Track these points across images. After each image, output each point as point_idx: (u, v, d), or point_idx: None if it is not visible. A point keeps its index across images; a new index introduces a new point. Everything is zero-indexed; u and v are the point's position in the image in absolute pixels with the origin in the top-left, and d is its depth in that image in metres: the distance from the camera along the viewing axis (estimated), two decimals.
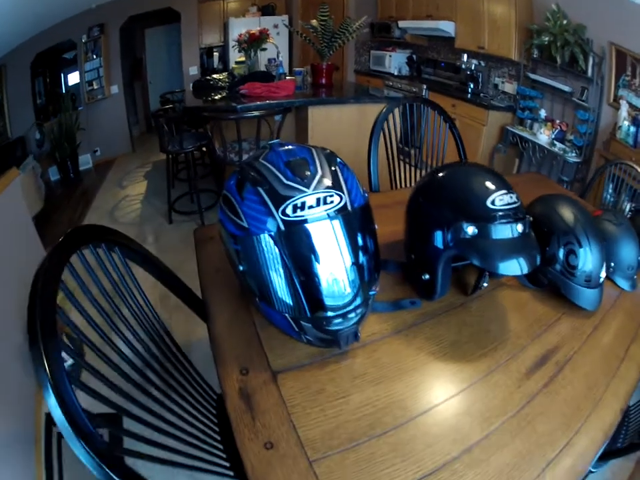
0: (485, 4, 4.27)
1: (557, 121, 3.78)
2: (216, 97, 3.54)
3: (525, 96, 4.06)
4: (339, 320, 0.82)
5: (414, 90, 5.08)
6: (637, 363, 0.93)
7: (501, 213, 0.86)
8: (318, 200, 0.77)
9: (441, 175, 1.01)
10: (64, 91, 5.46)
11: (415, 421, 0.75)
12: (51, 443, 1.74)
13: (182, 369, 1.05)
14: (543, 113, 3.90)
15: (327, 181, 0.80)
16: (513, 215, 0.87)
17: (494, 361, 0.89)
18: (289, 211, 0.76)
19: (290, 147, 0.88)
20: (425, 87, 4.95)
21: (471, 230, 0.87)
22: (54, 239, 0.82)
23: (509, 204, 0.87)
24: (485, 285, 1.06)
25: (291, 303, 0.82)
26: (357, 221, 0.84)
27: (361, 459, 0.68)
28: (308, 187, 0.77)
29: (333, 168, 0.83)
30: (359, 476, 0.66)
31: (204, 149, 3.94)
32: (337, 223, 0.79)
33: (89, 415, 0.65)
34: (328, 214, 0.78)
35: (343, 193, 0.80)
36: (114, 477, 0.64)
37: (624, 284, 1.19)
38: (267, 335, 0.92)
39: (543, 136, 3.79)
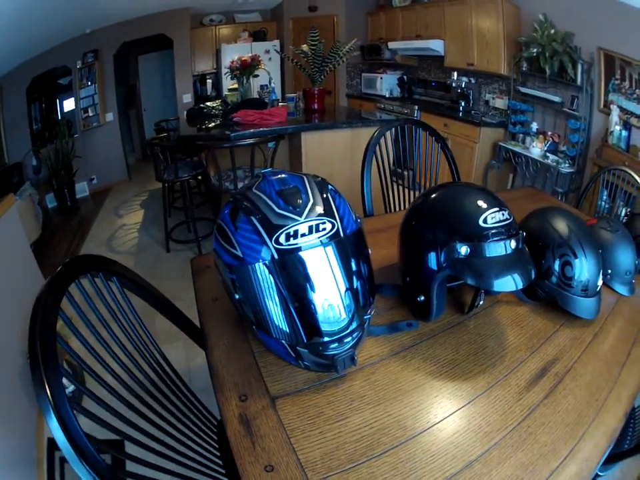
0: (473, 19, 4.35)
1: (549, 133, 3.81)
2: (210, 125, 3.58)
3: (515, 110, 4.11)
4: (335, 345, 0.83)
5: (405, 111, 5.14)
6: (638, 366, 0.94)
7: (493, 231, 0.87)
8: (310, 228, 0.78)
9: (432, 196, 1.02)
10: (59, 117, 5.51)
11: (414, 440, 0.76)
12: (53, 467, 1.75)
13: (181, 396, 1.06)
14: (534, 126, 3.94)
15: (319, 209, 0.81)
16: (505, 232, 0.88)
17: (493, 377, 0.89)
18: (282, 239, 0.77)
19: (282, 175, 0.89)
20: (416, 107, 5.01)
21: (464, 250, 0.88)
22: (52, 267, 0.85)
23: (500, 221, 0.88)
24: (481, 302, 1.07)
25: (287, 330, 0.83)
26: (350, 247, 0.85)
27: (361, 478, 0.69)
28: (300, 216, 0.79)
29: (324, 195, 0.85)
30: None
31: (199, 177, 3.96)
32: (330, 250, 0.81)
33: (90, 438, 0.66)
34: (321, 241, 0.79)
35: (335, 220, 0.82)
36: None
37: (622, 289, 1.21)
38: (265, 361, 0.92)
39: (536, 149, 3.81)
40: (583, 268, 1.04)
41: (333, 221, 0.81)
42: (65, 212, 5.30)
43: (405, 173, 2.16)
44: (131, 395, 0.91)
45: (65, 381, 0.70)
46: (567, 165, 3.56)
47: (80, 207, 5.46)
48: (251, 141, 2.99)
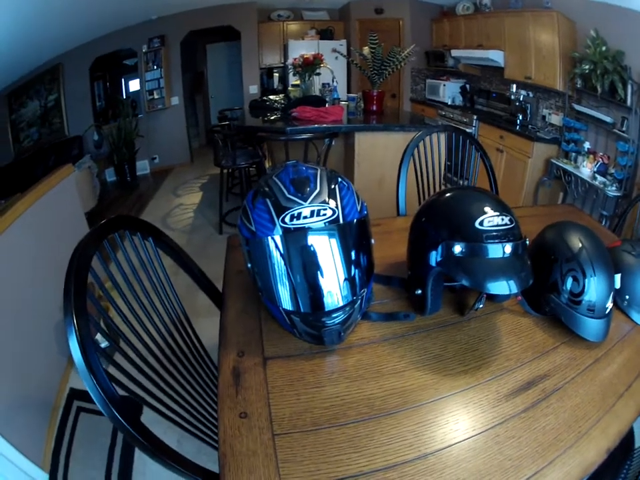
0: (531, 32, 4.26)
1: (600, 154, 3.67)
2: (271, 118, 3.71)
3: (570, 128, 3.97)
4: (324, 317, 0.93)
5: (465, 120, 5.10)
6: (637, 401, 0.87)
7: (490, 234, 0.89)
8: (312, 212, 0.89)
9: (443, 197, 1.05)
10: (124, 97, 5.76)
11: (376, 420, 0.80)
12: (68, 414, 1.92)
13: (196, 354, 1.19)
14: (587, 146, 3.80)
15: (324, 197, 0.91)
16: (502, 236, 0.89)
17: (474, 379, 0.90)
18: (287, 219, 0.88)
19: (300, 167, 1.00)
20: (475, 117, 4.96)
21: (458, 249, 0.91)
22: None
23: (498, 225, 0.90)
24: (481, 306, 1.06)
25: (285, 299, 0.94)
26: (349, 233, 0.94)
27: (319, 442, 0.75)
28: (305, 201, 0.90)
29: (332, 186, 0.95)
30: (312, 456, 0.73)
31: (255, 166, 4.11)
32: (328, 232, 0.91)
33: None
34: (325, 223, 0.89)
35: (337, 208, 0.91)
36: (120, 418, 0.76)
37: (639, 318, 1.13)
38: (268, 327, 1.03)
39: (585, 169, 3.69)
40: (591, 286, 1.00)
41: (333, 208, 0.91)
42: (123, 187, 5.56)
43: (461, 181, 2.17)
44: (155, 345, 1.05)
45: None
46: (614, 188, 3.43)
47: (139, 184, 5.70)
48: (304, 136, 3.08)
